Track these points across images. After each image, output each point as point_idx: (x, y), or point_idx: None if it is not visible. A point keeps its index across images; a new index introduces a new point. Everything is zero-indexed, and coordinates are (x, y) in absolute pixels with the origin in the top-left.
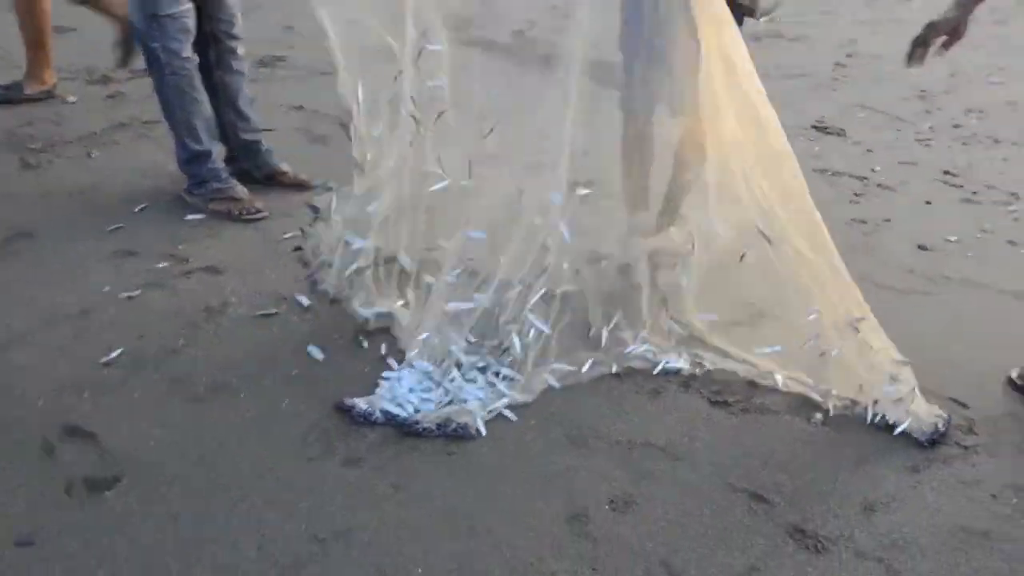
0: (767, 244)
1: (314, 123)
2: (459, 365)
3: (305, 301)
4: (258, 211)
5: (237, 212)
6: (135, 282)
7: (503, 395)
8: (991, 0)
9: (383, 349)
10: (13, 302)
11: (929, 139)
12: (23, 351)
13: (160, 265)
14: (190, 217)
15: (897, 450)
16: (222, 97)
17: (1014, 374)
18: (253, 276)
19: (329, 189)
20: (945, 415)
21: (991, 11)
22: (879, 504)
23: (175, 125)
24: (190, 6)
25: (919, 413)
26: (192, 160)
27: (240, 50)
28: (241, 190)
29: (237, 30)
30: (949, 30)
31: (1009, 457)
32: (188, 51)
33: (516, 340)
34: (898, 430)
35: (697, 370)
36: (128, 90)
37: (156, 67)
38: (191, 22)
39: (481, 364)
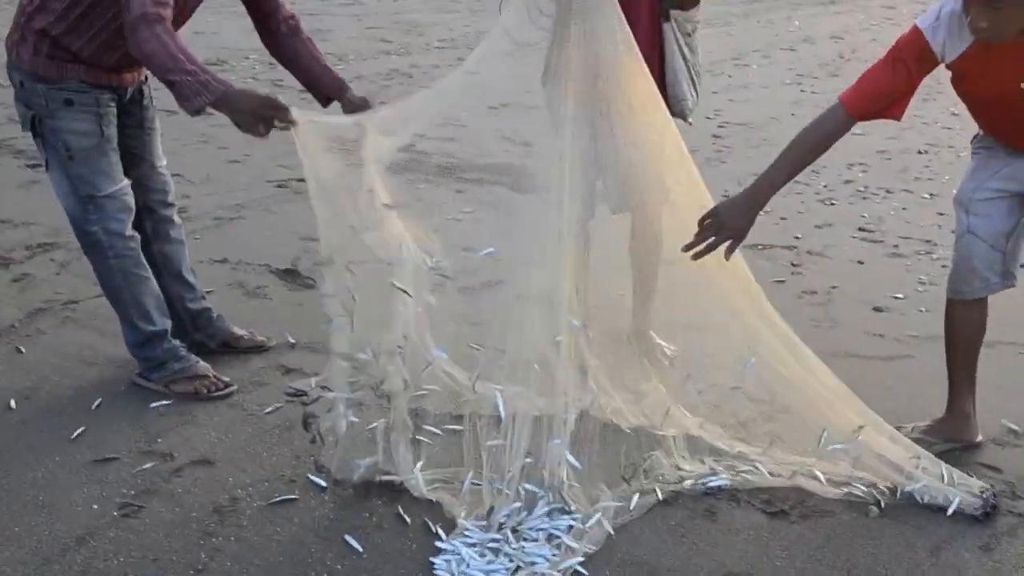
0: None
1: (244, 276)
2: (516, 528)
3: (320, 481)
4: (227, 385)
5: (205, 391)
6: (125, 493)
7: (571, 549)
8: (829, 54)
9: (424, 520)
10: None
11: (831, 198)
12: None
13: (146, 467)
14: (155, 405)
15: (962, 530)
16: (164, 270)
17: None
18: (249, 461)
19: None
20: (987, 485)
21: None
22: None
23: (124, 309)
24: (128, 182)
25: (962, 485)
26: (146, 343)
27: (176, 218)
28: (203, 366)
29: (171, 197)
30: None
31: None
32: (130, 230)
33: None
34: (951, 509)
35: (739, 482)
36: (33, 270)
37: (97, 252)
38: (131, 199)
39: (536, 521)
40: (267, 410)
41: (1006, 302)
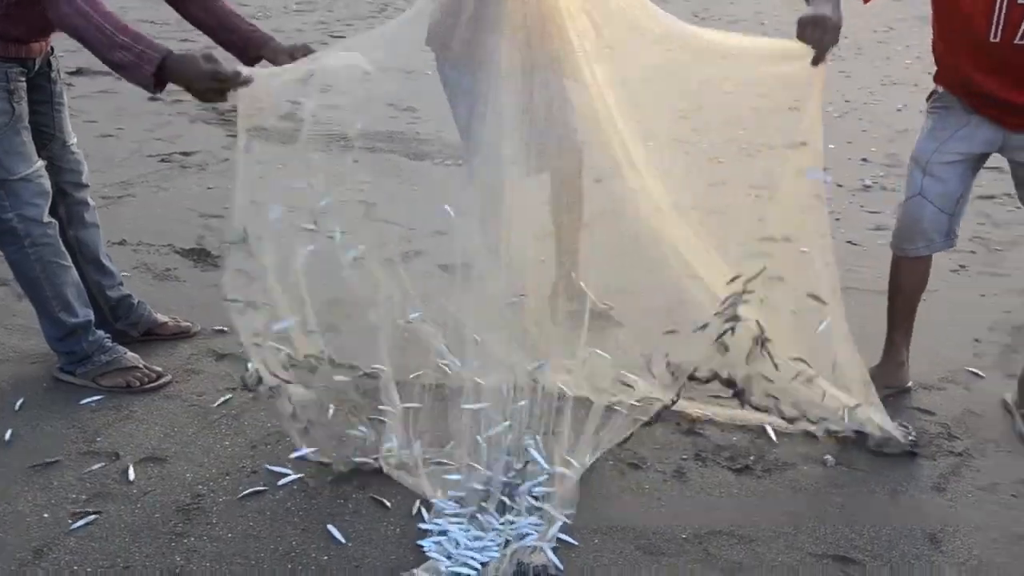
0: None
1: (149, 258)
2: (506, 501)
3: (284, 470)
4: (159, 376)
5: (137, 383)
6: (75, 499)
7: (553, 518)
8: None
9: (402, 503)
10: None
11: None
12: None
13: (93, 468)
14: (87, 401)
15: (912, 472)
16: (81, 257)
17: (1007, 397)
18: (203, 455)
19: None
20: (903, 424)
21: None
22: (938, 532)
23: (43, 301)
24: (42, 163)
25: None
26: (69, 336)
27: (90, 200)
28: (132, 356)
29: (85, 178)
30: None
31: (996, 454)
32: (47, 216)
33: (535, 453)
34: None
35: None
36: None
37: (12, 240)
38: (47, 181)
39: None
40: (216, 403)
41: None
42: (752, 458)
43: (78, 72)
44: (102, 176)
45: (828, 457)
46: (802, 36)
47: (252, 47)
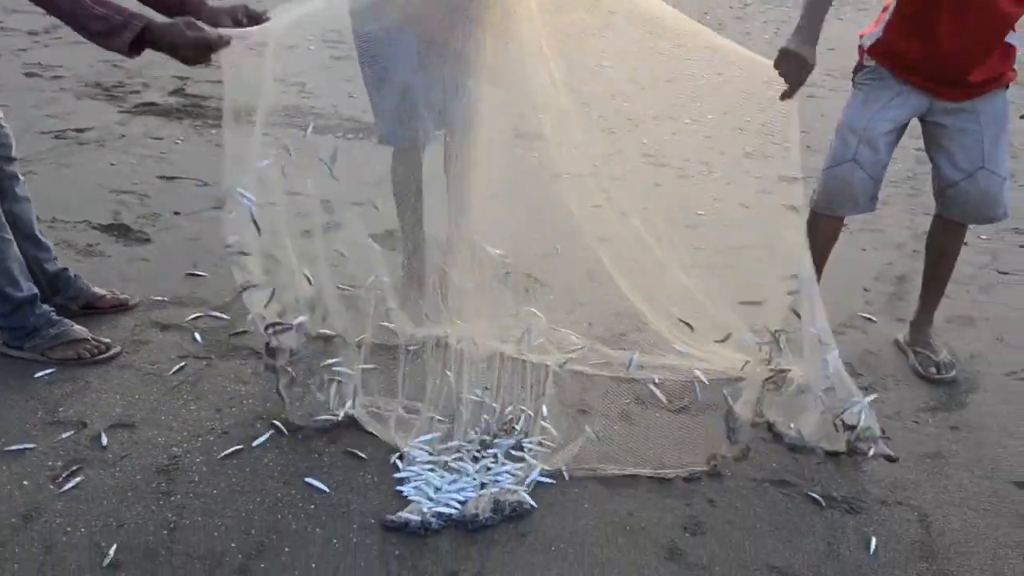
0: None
1: (68, 234)
2: (477, 454)
3: (256, 429)
4: (108, 347)
5: (88, 354)
6: (52, 465)
7: (532, 465)
8: None
9: (374, 453)
10: None
11: None
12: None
13: (62, 436)
14: (40, 374)
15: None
16: (16, 232)
17: (900, 338)
18: (172, 419)
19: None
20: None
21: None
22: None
23: None
24: None
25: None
26: (15, 311)
27: (20, 175)
28: (80, 329)
29: (14, 152)
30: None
31: (896, 387)
32: None
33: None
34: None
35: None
36: None
37: None
38: None
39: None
40: (172, 371)
41: None
42: (686, 400)
43: None
44: None
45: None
46: (777, 66)
47: (187, 11)
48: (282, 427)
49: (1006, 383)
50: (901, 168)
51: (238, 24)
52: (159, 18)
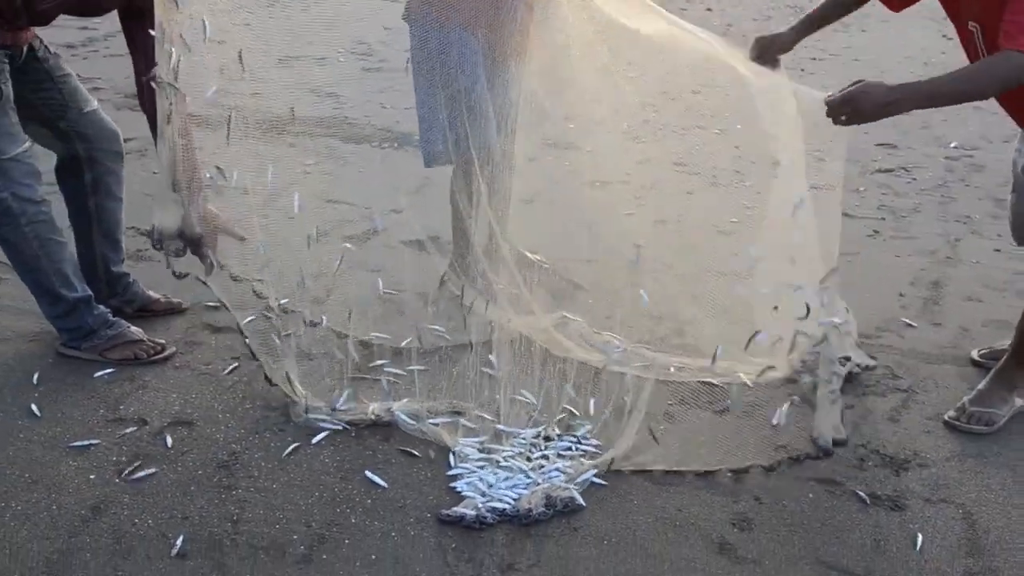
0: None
1: None
2: (540, 444)
3: (321, 422)
4: (163, 347)
5: (144, 355)
6: (116, 460)
7: (583, 465)
8: None
9: (428, 451)
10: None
11: None
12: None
13: (125, 432)
14: (100, 374)
15: (868, 405)
16: (96, 227)
17: (975, 354)
18: (229, 418)
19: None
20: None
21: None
22: (897, 455)
23: (42, 279)
24: (30, 144)
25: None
26: (71, 311)
27: (122, 173)
28: (136, 330)
29: (120, 146)
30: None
31: (936, 390)
32: (40, 193)
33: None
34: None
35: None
36: None
37: (8, 220)
38: (36, 162)
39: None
40: (226, 371)
41: None
42: (728, 402)
43: None
44: (45, 162)
45: (794, 397)
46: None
47: None
48: (338, 425)
49: None
50: (932, 176)
51: None
52: None
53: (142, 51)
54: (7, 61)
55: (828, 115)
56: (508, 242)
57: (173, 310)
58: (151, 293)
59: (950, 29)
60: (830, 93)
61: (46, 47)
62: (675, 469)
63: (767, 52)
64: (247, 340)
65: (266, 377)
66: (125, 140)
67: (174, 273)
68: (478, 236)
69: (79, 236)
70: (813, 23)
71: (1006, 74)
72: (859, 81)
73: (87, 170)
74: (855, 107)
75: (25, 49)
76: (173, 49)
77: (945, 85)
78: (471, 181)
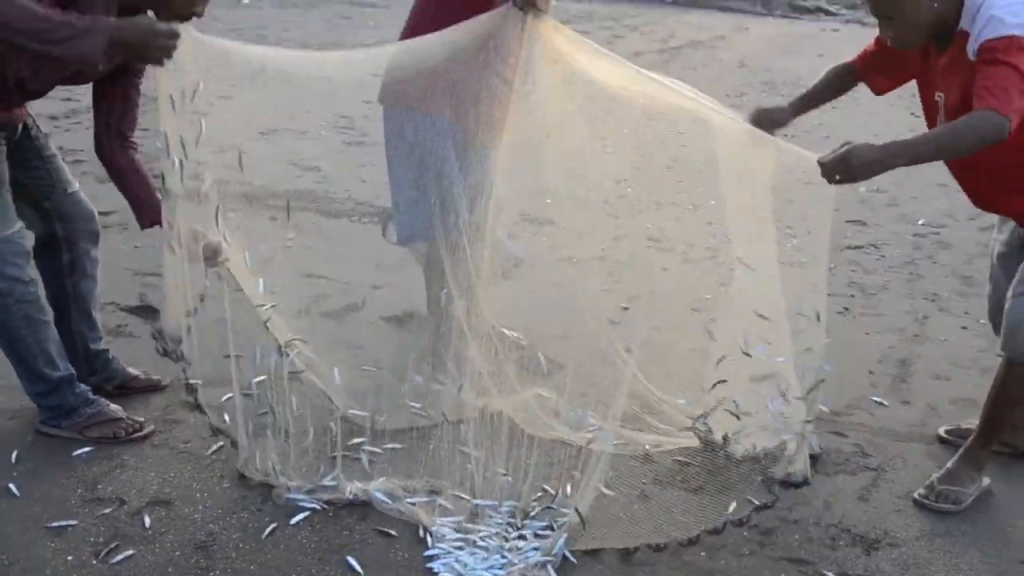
0: None
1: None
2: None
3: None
4: (142, 426)
5: (123, 433)
6: (94, 541)
7: (558, 536)
8: None
9: (406, 531)
10: None
11: None
12: None
13: (105, 511)
14: (78, 452)
15: (838, 485)
16: (74, 307)
17: (942, 431)
18: (204, 496)
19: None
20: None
21: None
22: (868, 534)
23: (25, 357)
24: (21, 225)
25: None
26: (54, 390)
27: (97, 255)
28: (115, 408)
29: (95, 227)
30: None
31: (906, 468)
32: (29, 273)
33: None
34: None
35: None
36: None
37: None
38: (27, 242)
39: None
40: (210, 450)
41: None
42: (703, 480)
43: None
44: None
45: (776, 487)
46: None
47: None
48: (316, 505)
49: (1009, 464)
50: (900, 253)
51: None
52: None
53: (121, 99)
54: (3, 143)
55: (823, 175)
56: (484, 319)
57: (153, 387)
58: (131, 370)
59: (917, 107)
60: (820, 155)
61: (38, 126)
62: (649, 543)
63: (761, 126)
64: (226, 423)
65: (240, 473)
66: (105, 213)
67: (164, 351)
68: (454, 314)
69: (58, 316)
70: (809, 102)
71: (982, 131)
72: (848, 143)
73: (65, 250)
74: (847, 166)
75: (20, 127)
76: (176, 159)
77: (929, 142)
78: (443, 260)
